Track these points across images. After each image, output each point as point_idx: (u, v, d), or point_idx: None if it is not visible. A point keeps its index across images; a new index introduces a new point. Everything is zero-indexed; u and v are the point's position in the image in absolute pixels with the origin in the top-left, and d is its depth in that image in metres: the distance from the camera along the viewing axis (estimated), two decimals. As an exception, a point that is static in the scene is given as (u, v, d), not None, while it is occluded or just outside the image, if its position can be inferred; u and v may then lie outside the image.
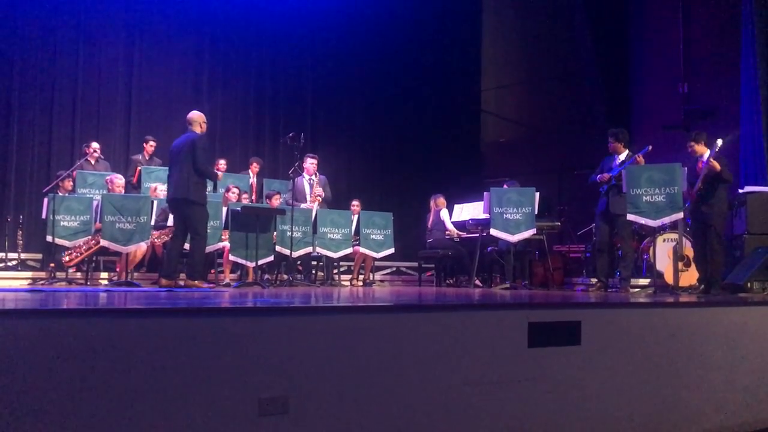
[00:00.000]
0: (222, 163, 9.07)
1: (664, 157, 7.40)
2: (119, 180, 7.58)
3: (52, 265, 7.42)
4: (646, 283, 7.25)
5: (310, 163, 8.32)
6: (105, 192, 7.45)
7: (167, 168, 8.69)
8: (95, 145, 8.53)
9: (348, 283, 8.73)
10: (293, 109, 11.19)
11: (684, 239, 6.84)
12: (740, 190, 7.50)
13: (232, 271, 7.71)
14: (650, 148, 6.68)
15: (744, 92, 8.44)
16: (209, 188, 6.75)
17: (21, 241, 8.32)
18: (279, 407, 2.66)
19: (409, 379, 2.99)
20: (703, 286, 6.36)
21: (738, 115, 8.50)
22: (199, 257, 6.42)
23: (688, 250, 6.99)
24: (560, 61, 12.02)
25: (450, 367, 3.10)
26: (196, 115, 6.58)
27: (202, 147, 6.36)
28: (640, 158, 6.59)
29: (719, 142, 6.22)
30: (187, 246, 6.53)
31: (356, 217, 8.47)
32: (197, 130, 6.52)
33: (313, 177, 8.34)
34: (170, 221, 7.26)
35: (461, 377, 3.13)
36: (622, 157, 6.86)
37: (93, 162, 8.45)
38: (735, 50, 8.70)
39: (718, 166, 6.14)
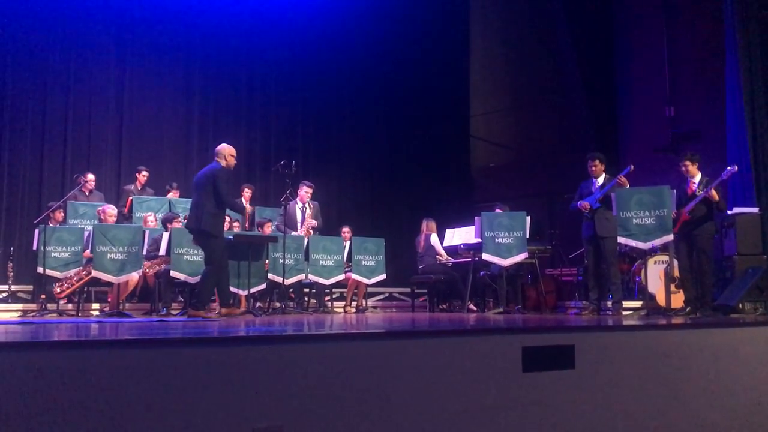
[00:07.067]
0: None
1: (653, 179, 7.46)
2: (111, 210, 7.55)
3: (43, 296, 7.35)
4: (639, 306, 7.26)
5: (305, 191, 8.31)
6: (96, 222, 7.43)
7: (159, 198, 8.77)
8: (90, 176, 8.53)
9: (341, 310, 8.70)
10: (284, 137, 11.25)
11: (675, 261, 6.87)
12: (729, 212, 7.56)
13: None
14: (632, 167, 6.74)
15: (729, 114, 8.55)
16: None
17: (11, 273, 8.25)
18: (273, 437, 2.64)
19: (404, 406, 2.98)
20: (689, 308, 6.36)
21: (724, 136, 8.60)
22: (207, 288, 6.34)
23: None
24: (548, 86, 12.16)
25: (445, 394, 3.09)
26: (223, 148, 6.44)
27: (223, 179, 6.23)
28: (623, 179, 6.64)
29: (731, 168, 6.26)
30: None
31: (348, 243, 8.47)
32: (222, 162, 6.38)
33: (306, 205, 8.34)
34: (162, 251, 7.24)
35: (456, 403, 3.12)
36: (601, 180, 6.91)
37: (87, 193, 8.45)
38: (719, 73, 8.83)
39: (717, 197, 6.20)
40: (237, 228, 8.23)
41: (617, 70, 11.34)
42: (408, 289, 9.62)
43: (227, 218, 7.92)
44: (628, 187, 6.60)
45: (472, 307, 8.40)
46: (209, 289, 6.43)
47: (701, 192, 6.27)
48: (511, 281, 8.00)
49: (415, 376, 3.03)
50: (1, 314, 7.23)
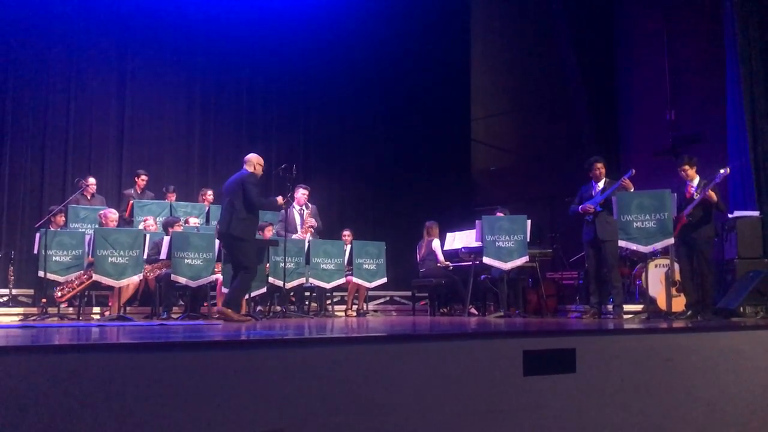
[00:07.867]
0: (209, 194, 9.11)
1: (654, 183, 7.47)
2: (113, 214, 7.56)
3: (43, 300, 7.35)
4: (640, 309, 7.25)
5: (302, 193, 8.33)
6: (97, 226, 7.43)
7: (159, 202, 8.77)
8: (92, 180, 8.56)
9: (342, 314, 8.69)
10: (285, 140, 11.26)
11: (676, 264, 6.87)
12: (730, 215, 7.55)
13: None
14: (633, 171, 6.73)
15: (730, 118, 8.55)
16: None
17: (12, 277, 8.25)
18: (274, 441, 2.64)
19: (404, 410, 2.98)
20: (690, 311, 6.35)
21: (725, 140, 8.60)
22: (242, 288, 6.45)
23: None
24: (548, 89, 12.17)
25: (446, 397, 3.09)
26: (252, 156, 6.64)
27: (252, 183, 6.38)
28: (627, 181, 6.64)
29: (724, 171, 6.25)
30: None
31: (349, 246, 8.47)
32: (250, 169, 6.54)
33: (304, 207, 8.35)
34: (163, 254, 7.24)
35: (457, 407, 3.11)
36: (602, 184, 6.91)
37: (89, 197, 8.46)
38: (720, 76, 8.84)
39: (715, 198, 6.18)
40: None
41: (618, 73, 11.35)
42: (409, 293, 9.60)
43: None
44: (632, 189, 6.60)
45: (473, 310, 8.39)
46: (244, 291, 6.56)
47: (698, 195, 6.26)
48: (511, 285, 7.99)
49: (415, 380, 3.03)
50: (2, 318, 7.24)
